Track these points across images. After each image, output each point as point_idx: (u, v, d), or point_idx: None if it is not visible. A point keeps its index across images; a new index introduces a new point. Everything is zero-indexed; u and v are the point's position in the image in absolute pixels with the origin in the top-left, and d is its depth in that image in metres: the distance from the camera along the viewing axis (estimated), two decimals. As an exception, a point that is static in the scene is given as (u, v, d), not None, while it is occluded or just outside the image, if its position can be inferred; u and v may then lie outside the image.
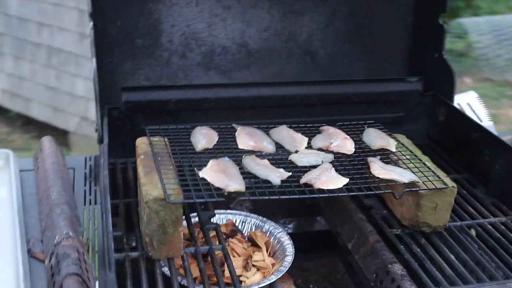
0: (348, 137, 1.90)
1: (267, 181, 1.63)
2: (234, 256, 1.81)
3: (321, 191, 1.61)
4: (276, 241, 1.91)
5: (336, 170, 1.72)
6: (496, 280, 1.60)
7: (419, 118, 2.31)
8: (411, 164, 1.79)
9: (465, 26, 9.38)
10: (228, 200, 1.56)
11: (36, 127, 7.12)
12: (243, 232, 1.96)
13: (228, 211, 2.01)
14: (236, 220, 1.99)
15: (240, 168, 1.69)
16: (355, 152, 1.84)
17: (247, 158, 1.73)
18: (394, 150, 1.86)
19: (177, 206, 1.54)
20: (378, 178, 1.69)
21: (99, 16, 2.05)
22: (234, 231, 1.90)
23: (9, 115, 7.69)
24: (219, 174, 1.61)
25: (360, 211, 1.93)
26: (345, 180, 1.65)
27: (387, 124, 2.23)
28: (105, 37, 2.12)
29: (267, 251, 1.88)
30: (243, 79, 2.27)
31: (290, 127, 1.97)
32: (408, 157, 1.84)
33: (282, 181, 1.64)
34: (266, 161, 1.72)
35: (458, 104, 2.53)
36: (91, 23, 1.95)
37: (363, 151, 1.86)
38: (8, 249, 1.53)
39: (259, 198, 1.56)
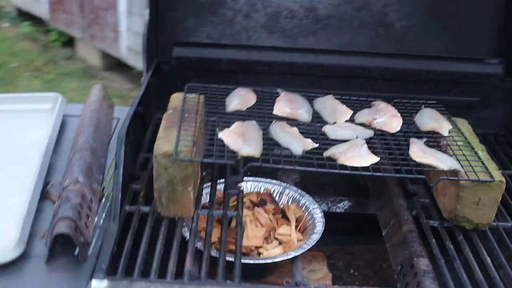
0: (398, 115, 1.73)
1: (288, 149, 1.52)
2: (257, 226, 1.73)
3: (343, 167, 1.48)
4: (309, 217, 1.80)
5: (371, 148, 1.57)
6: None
7: (497, 105, 2.07)
8: (461, 151, 1.60)
9: None
10: (239, 165, 1.47)
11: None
12: (279, 203, 1.87)
13: (269, 180, 1.92)
14: (274, 191, 1.90)
15: (266, 134, 1.59)
16: (400, 131, 1.68)
17: (275, 124, 1.62)
18: (446, 134, 1.67)
19: (187, 164, 1.47)
20: (415, 161, 1.52)
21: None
22: (263, 201, 1.81)
23: (132, 73, 7.98)
24: (236, 137, 1.51)
25: (403, 197, 1.77)
26: (375, 159, 1.50)
27: (458, 109, 2.04)
28: (169, -9, 2.08)
29: (297, 226, 1.78)
30: (309, 46, 2.15)
31: (341, 99, 1.83)
32: (460, 143, 1.65)
33: (306, 152, 1.52)
34: (295, 129, 1.60)
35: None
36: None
37: (410, 132, 1.69)
38: (24, 189, 1.54)
39: (271, 166, 1.46)
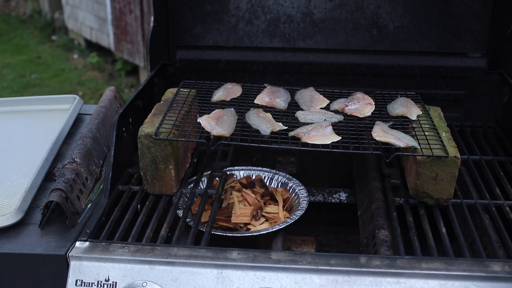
0: (372, 103, 1.86)
1: (258, 131, 1.68)
2: (245, 205, 1.88)
3: (305, 145, 1.62)
4: (296, 197, 1.94)
5: (337, 130, 1.70)
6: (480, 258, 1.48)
7: (484, 98, 2.15)
8: (425, 133, 1.71)
9: None
10: (211, 143, 1.64)
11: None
12: (269, 187, 2.02)
13: (260, 168, 2.08)
14: (264, 177, 2.05)
15: (243, 120, 1.75)
16: (369, 117, 1.80)
17: (252, 110, 1.78)
18: (413, 118, 1.79)
19: (166, 144, 1.66)
20: (375, 140, 1.65)
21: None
22: (252, 183, 1.96)
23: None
24: (211, 120, 1.69)
25: (378, 179, 1.89)
26: (335, 138, 1.64)
27: (447, 101, 2.14)
28: (178, 1, 2.29)
29: (284, 206, 1.92)
30: (307, 47, 2.30)
31: (323, 91, 1.97)
32: (426, 127, 1.76)
33: (273, 133, 1.67)
34: (268, 115, 1.76)
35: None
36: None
37: (380, 117, 1.81)
38: (31, 171, 1.76)
39: (238, 144, 1.62)
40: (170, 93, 1.94)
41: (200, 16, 2.33)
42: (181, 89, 1.95)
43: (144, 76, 7.15)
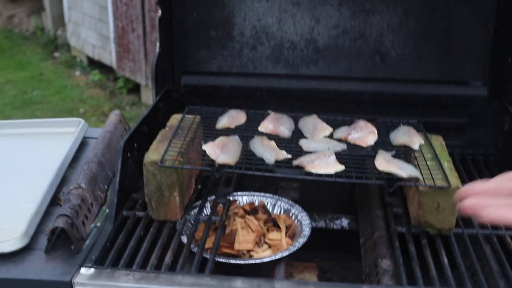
0: (375, 131, 1.89)
1: (262, 159, 1.70)
2: (248, 232, 1.89)
3: (308, 174, 1.64)
4: (298, 224, 1.96)
5: (341, 159, 1.72)
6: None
7: (485, 126, 2.18)
8: (427, 162, 1.73)
9: None
10: (215, 170, 1.66)
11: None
12: (272, 214, 2.04)
13: (263, 194, 2.10)
14: (267, 203, 2.07)
15: (248, 148, 1.78)
16: (373, 145, 1.83)
17: (256, 138, 1.81)
18: (416, 148, 1.81)
19: (171, 171, 1.68)
20: (378, 170, 1.67)
21: (179, 6, 2.27)
22: (255, 210, 1.98)
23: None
24: (216, 148, 1.71)
25: (381, 208, 1.91)
26: (339, 167, 1.66)
27: (448, 130, 2.17)
28: (183, 27, 2.32)
29: (287, 232, 1.94)
30: (310, 74, 2.33)
31: (326, 119, 2.00)
32: (428, 156, 1.78)
33: (277, 162, 1.70)
34: (272, 143, 1.78)
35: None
36: (159, 11, 2.17)
37: (382, 146, 1.83)
38: (37, 196, 1.77)
39: (243, 172, 1.64)
40: (175, 119, 1.97)
41: (205, 41, 2.36)
42: (186, 115, 1.97)
43: (145, 94, 7.20)
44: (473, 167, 2.07)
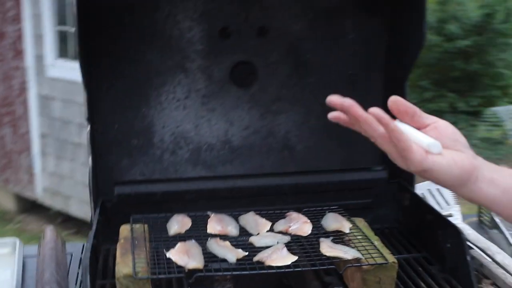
0: (308, 221, 2.14)
1: (225, 260, 1.88)
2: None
3: (270, 267, 1.85)
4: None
5: (290, 250, 1.95)
6: None
7: (387, 204, 2.52)
8: (360, 243, 2.01)
9: (501, 114, 9.60)
10: (187, 276, 1.81)
11: (75, 224, 7.52)
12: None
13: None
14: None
15: (204, 250, 1.94)
16: (311, 234, 2.08)
17: (211, 240, 1.98)
18: (347, 231, 2.09)
19: (144, 282, 1.80)
20: (325, 255, 1.92)
21: (101, 120, 2.41)
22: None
23: (49, 213, 8.13)
24: (182, 254, 1.86)
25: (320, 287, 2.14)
26: (294, 258, 1.88)
27: (357, 210, 2.46)
28: (105, 138, 2.45)
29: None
30: (226, 172, 2.55)
31: (260, 213, 2.22)
32: (359, 237, 2.06)
33: (238, 260, 1.88)
34: (227, 243, 1.97)
35: (429, 190, 2.74)
36: (89, 127, 2.30)
37: (319, 233, 2.09)
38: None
39: (213, 274, 1.81)
40: (126, 230, 2.08)
41: (127, 150, 2.50)
42: (134, 225, 2.10)
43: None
44: (385, 239, 2.39)
